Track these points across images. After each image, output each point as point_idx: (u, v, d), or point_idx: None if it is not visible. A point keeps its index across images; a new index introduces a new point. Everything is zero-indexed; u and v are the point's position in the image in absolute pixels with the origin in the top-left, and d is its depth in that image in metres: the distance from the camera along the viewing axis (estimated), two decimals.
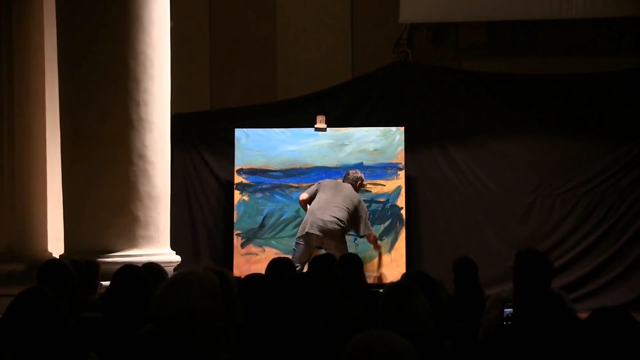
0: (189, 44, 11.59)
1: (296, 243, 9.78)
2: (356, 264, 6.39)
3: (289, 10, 11.86)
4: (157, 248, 7.97)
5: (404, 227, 10.57)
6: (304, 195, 9.97)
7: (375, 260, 10.52)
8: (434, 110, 11.06)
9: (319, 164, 10.75)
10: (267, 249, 10.50)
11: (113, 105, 7.78)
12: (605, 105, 10.75)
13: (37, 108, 9.16)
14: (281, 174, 10.78)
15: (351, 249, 10.48)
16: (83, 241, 7.79)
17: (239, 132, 10.84)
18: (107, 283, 5.22)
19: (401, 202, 10.62)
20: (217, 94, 12.05)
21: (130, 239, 7.82)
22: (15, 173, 8.99)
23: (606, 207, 10.67)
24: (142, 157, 7.86)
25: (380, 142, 10.71)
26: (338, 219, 9.65)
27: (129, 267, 5.05)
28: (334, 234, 9.62)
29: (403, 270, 9.84)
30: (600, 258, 10.60)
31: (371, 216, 10.61)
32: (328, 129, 10.77)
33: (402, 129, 10.71)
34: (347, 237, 10.58)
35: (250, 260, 10.55)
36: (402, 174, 10.67)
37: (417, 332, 4.02)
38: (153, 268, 5.75)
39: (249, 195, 10.77)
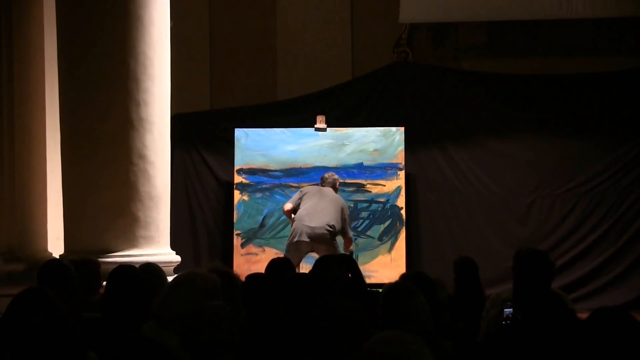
0: (189, 44, 11.59)
1: (286, 250, 9.70)
2: (353, 264, 6.39)
3: (289, 11, 11.86)
4: (157, 248, 7.96)
5: (404, 227, 10.57)
6: (288, 205, 9.79)
7: (376, 261, 10.52)
8: (434, 110, 11.06)
9: (318, 164, 10.76)
10: (267, 248, 10.51)
11: (113, 105, 7.78)
12: (605, 106, 10.75)
13: (37, 108, 9.16)
14: (281, 173, 10.78)
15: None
16: (83, 241, 7.78)
17: (238, 132, 10.84)
18: None
19: (401, 202, 10.63)
20: (217, 94, 12.05)
21: (131, 239, 7.81)
22: (15, 173, 8.99)
23: (606, 207, 10.67)
24: (142, 157, 7.85)
25: (380, 142, 10.71)
26: (327, 224, 9.59)
27: (125, 267, 5.05)
28: (324, 239, 9.56)
29: (403, 270, 9.83)
30: (600, 258, 10.60)
31: (371, 216, 10.62)
32: (328, 129, 10.78)
33: (402, 129, 10.71)
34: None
35: (250, 260, 10.55)
36: (402, 174, 10.67)
37: (416, 332, 4.02)
38: (151, 268, 5.75)
39: (248, 195, 10.78)
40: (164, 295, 3.84)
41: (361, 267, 9.93)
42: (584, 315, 3.97)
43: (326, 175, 10.10)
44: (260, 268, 9.02)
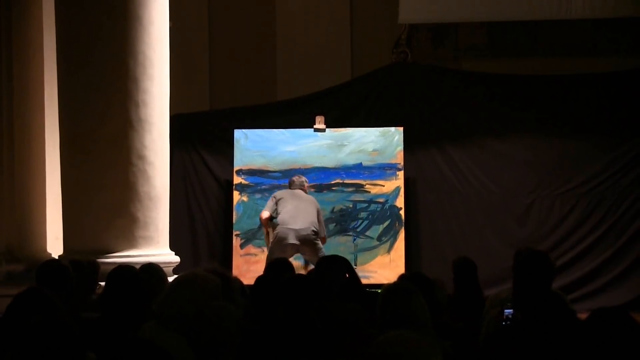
0: (188, 44, 11.59)
1: (270, 252, 9.65)
2: (349, 265, 6.38)
3: (288, 10, 11.86)
4: (157, 248, 7.96)
5: (403, 228, 10.57)
6: (265, 214, 9.77)
7: (375, 261, 10.52)
8: (433, 111, 11.06)
9: (318, 164, 10.76)
10: (266, 249, 10.50)
11: (112, 106, 7.77)
12: (605, 106, 10.75)
13: (36, 108, 9.16)
14: (280, 174, 10.78)
15: (350, 249, 10.50)
16: (82, 241, 7.78)
17: (238, 133, 10.84)
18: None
19: (400, 202, 10.62)
20: (216, 94, 12.05)
21: (130, 240, 7.81)
22: (15, 173, 8.98)
23: (605, 208, 10.67)
24: (141, 157, 7.85)
25: (379, 143, 10.71)
26: (310, 223, 9.61)
27: (124, 268, 5.05)
28: (309, 241, 9.58)
29: (402, 270, 9.84)
30: (599, 258, 10.59)
31: (370, 216, 10.62)
32: (327, 129, 10.78)
33: (401, 129, 10.71)
34: (347, 238, 10.60)
35: (250, 261, 10.55)
36: (401, 174, 10.67)
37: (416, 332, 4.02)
38: (151, 268, 5.75)
39: (248, 196, 10.78)
40: (165, 296, 3.84)
41: (360, 268, 10.06)
42: (583, 316, 3.97)
43: (294, 178, 10.12)
44: (260, 269, 9.04)
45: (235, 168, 10.82)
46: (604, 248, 10.62)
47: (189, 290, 3.83)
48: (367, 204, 10.66)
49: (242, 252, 10.66)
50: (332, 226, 10.67)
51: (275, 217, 9.70)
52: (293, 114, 11.13)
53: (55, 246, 8.97)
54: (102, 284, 5.28)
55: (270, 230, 9.77)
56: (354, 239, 10.55)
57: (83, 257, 6.72)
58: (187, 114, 11.32)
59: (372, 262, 10.53)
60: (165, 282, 5.37)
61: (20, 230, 8.98)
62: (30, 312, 3.96)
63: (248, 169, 10.75)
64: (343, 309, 4.93)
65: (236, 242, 10.68)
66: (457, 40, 11.57)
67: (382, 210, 10.64)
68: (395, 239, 10.55)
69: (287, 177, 10.71)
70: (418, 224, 11.00)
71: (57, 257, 7.78)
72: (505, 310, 5.00)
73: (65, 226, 8.12)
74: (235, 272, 10.14)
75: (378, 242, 10.59)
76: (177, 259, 8.19)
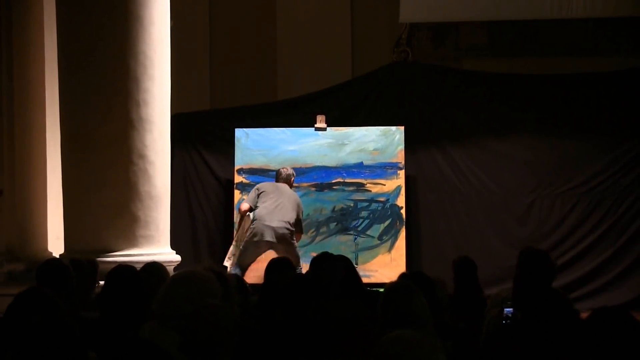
0: (189, 44, 11.59)
1: (244, 248, 9.68)
2: (348, 263, 6.38)
3: (289, 10, 11.86)
4: (157, 248, 7.97)
5: (404, 227, 10.57)
6: (245, 205, 9.77)
7: (375, 260, 10.52)
8: (433, 110, 11.06)
9: (318, 163, 10.76)
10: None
11: (113, 105, 7.78)
12: (605, 106, 10.75)
13: (37, 108, 9.17)
14: None
15: (351, 248, 10.50)
16: (83, 241, 7.79)
17: (239, 132, 10.84)
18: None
19: (401, 201, 10.62)
20: (217, 93, 12.05)
21: (130, 239, 7.82)
22: (16, 173, 9.00)
23: (606, 207, 10.67)
24: (142, 157, 7.86)
25: (380, 142, 10.71)
26: (287, 222, 9.60)
27: (123, 267, 5.06)
28: (284, 238, 9.58)
29: (403, 269, 9.83)
30: (599, 258, 10.59)
31: (371, 215, 10.61)
32: (328, 128, 10.78)
33: (402, 128, 10.71)
34: (348, 237, 10.60)
35: None
36: (402, 173, 10.67)
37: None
38: (153, 267, 5.75)
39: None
40: (162, 294, 3.83)
41: (361, 267, 10.06)
42: (584, 315, 3.97)
43: (281, 169, 10.12)
44: (260, 268, 9.02)
45: (236, 167, 10.82)
46: (604, 247, 10.62)
47: (186, 288, 3.83)
48: (368, 203, 10.65)
49: None
50: (332, 225, 10.68)
51: (254, 210, 9.68)
52: (294, 113, 11.13)
53: (56, 246, 8.98)
54: (102, 282, 5.29)
55: (245, 223, 9.73)
56: (355, 238, 10.55)
57: (83, 257, 6.72)
58: (188, 113, 11.32)
59: (373, 261, 10.53)
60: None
61: (21, 230, 8.99)
62: (31, 312, 3.96)
63: (249, 168, 10.75)
64: (342, 306, 4.93)
65: None
66: (457, 39, 11.56)
67: (383, 210, 10.64)
68: (396, 238, 10.55)
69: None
70: (419, 223, 11.00)
71: (57, 257, 7.78)
72: (506, 310, 5.01)
73: (66, 225, 8.13)
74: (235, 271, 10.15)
75: (379, 241, 10.59)
76: (178, 258, 8.20)
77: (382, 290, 4.57)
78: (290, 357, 4.22)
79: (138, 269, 5.53)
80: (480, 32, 11.48)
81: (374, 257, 10.55)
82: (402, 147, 10.66)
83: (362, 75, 11.48)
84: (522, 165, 10.88)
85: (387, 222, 10.62)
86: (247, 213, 9.76)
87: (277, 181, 10.01)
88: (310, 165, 10.76)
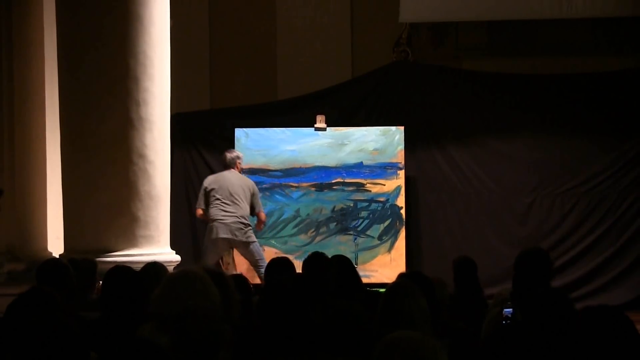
0: (189, 44, 11.58)
1: (205, 248, 9.69)
2: (347, 263, 6.38)
3: (288, 10, 11.85)
4: (157, 247, 7.97)
5: (404, 227, 10.57)
6: (199, 211, 9.79)
7: (375, 260, 10.53)
8: (433, 110, 11.06)
9: (318, 163, 10.76)
10: (267, 248, 10.50)
11: (113, 105, 7.78)
12: (605, 105, 10.75)
13: (37, 108, 9.16)
14: (281, 173, 10.78)
15: (351, 248, 10.50)
16: (83, 240, 7.79)
17: (238, 132, 10.84)
18: None
19: (401, 201, 10.62)
20: (217, 93, 12.04)
21: (130, 239, 7.81)
22: (15, 172, 8.99)
23: (606, 207, 10.67)
24: (142, 156, 7.85)
25: (380, 142, 10.71)
26: (240, 216, 9.57)
27: (120, 267, 5.05)
28: (240, 233, 9.54)
29: (403, 269, 9.85)
30: (599, 258, 10.59)
31: (371, 215, 10.61)
32: (328, 128, 10.77)
33: (401, 128, 10.71)
34: (348, 237, 10.60)
35: None
36: (401, 173, 10.67)
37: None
38: (156, 267, 5.75)
39: None
40: (157, 295, 3.83)
41: (361, 267, 10.06)
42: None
43: (226, 153, 10.00)
44: None
45: None
46: (604, 247, 10.62)
47: (180, 288, 3.82)
48: (367, 203, 10.65)
49: None
50: (332, 225, 10.68)
51: (208, 210, 9.67)
52: (294, 113, 11.13)
53: (56, 245, 8.97)
54: (102, 283, 5.29)
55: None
56: (355, 238, 10.55)
57: (83, 256, 6.72)
58: (187, 113, 11.32)
59: (373, 261, 10.53)
60: None
61: (21, 230, 8.98)
62: (33, 312, 3.96)
63: (249, 168, 10.75)
64: (342, 306, 4.93)
65: None
66: (457, 39, 11.56)
67: (382, 210, 10.64)
68: (396, 238, 10.55)
69: (287, 176, 10.73)
70: (419, 223, 11.00)
71: (57, 257, 7.78)
72: (505, 310, 5.01)
73: (66, 225, 8.13)
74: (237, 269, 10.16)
75: (379, 241, 10.59)
76: (178, 258, 8.20)
77: (381, 290, 4.57)
78: (290, 357, 4.21)
79: (138, 269, 5.53)
80: (480, 32, 11.48)
81: (373, 257, 10.55)
82: (402, 147, 10.66)
83: (362, 75, 11.48)
84: (522, 165, 10.88)
85: (387, 222, 10.62)
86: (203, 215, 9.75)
87: (223, 167, 9.94)
88: (310, 165, 10.76)
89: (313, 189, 10.71)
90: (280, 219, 10.70)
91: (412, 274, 5.37)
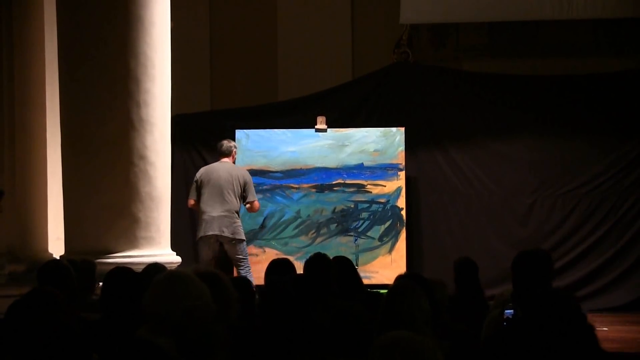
0: (189, 45, 11.59)
1: (198, 244, 9.65)
2: (348, 264, 6.38)
3: (289, 11, 11.86)
4: (158, 249, 7.96)
5: (405, 228, 10.57)
6: (191, 201, 9.72)
7: (376, 261, 10.53)
8: (434, 111, 11.06)
9: (319, 164, 10.76)
10: (267, 249, 10.50)
11: (114, 106, 7.78)
12: (606, 106, 10.74)
13: (37, 108, 9.17)
14: (282, 174, 10.78)
15: (352, 249, 10.50)
16: (83, 242, 7.78)
17: (239, 133, 10.84)
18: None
19: (402, 202, 10.62)
20: (217, 94, 12.05)
21: (131, 240, 7.81)
22: (16, 173, 9.00)
23: (607, 208, 10.66)
24: (142, 158, 7.85)
25: (380, 143, 10.71)
26: (227, 211, 9.50)
27: (121, 269, 5.05)
28: (227, 230, 9.47)
29: (404, 270, 9.83)
30: (600, 259, 10.59)
31: (372, 217, 10.61)
32: (328, 129, 10.77)
33: (402, 129, 10.70)
34: (349, 238, 10.60)
35: (251, 261, 10.52)
36: (402, 174, 10.67)
37: (415, 333, 4.02)
38: (157, 268, 5.74)
39: None
40: (147, 297, 3.81)
41: (361, 268, 10.05)
42: None
43: (222, 141, 9.91)
44: (261, 269, 9.00)
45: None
46: (605, 248, 10.62)
47: (181, 289, 3.81)
48: (368, 204, 10.65)
49: None
50: (333, 226, 10.68)
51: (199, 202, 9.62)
52: (294, 114, 11.13)
53: (56, 246, 8.98)
54: (101, 284, 5.29)
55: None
56: (355, 239, 10.54)
57: (83, 258, 6.72)
58: (188, 114, 11.32)
59: (374, 263, 10.53)
60: None
61: (21, 231, 8.99)
62: (35, 313, 3.95)
63: (249, 169, 10.73)
64: (344, 307, 4.93)
65: None
66: (457, 40, 11.57)
67: (383, 211, 10.64)
68: (396, 239, 10.55)
69: (288, 178, 10.73)
70: (419, 224, 11.00)
71: (58, 258, 7.78)
72: (506, 311, 5.01)
73: (67, 226, 8.13)
74: (236, 272, 10.15)
75: (379, 243, 10.59)
76: (178, 259, 8.20)
77: (382, 291, 4.57)
78: (291, 357, 4.22)
79: (139, 270, 5.53)
80: (480, 33, 11.49)
81: (374, 258, 10.55)
82: (402, 148, 10.66)
83: (362, 76, 11.48)
84: (523, 166, 10.88)
85: (387, 224, 10.62)
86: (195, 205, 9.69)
87: (218, 156, 9.90)
88: (311, 167, 10.76)
89: (314, 190, 10.71)
90: (281, 220, 10.70)
91: (410, 276, 5.37)
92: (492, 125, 10.97)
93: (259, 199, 10.40)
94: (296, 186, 10.70)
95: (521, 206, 10.85)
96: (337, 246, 10.45)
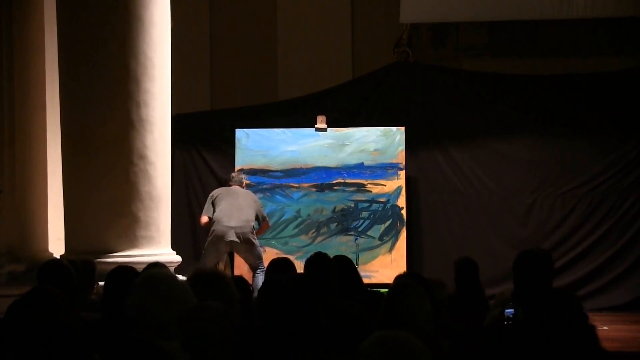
0: (189, 45, 11.59)
1: (205, 250, 9.63)
2: (349, 264, 6.37)
3: (289, 11, 11.86)
4: (158, 248, 7.96)
5: (405, 227, 10.58)
6: (204, 219, 9.72)
7: (376, 261, 10.53)
8: (434, 110, 11.06)
9: (319, 164, 10.76)
10: (267, 249, 10.51)
11: (114, 106, 7.77)
12: (606, 106, 10.75)
13: (37, 108, 9.16)
14: (282, 174, 10.79)
15: (352, 249, 10.51)
16: (84, 241, 7.78)
17: (239, 133, 10.85)
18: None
19: (402, 202, 10.63)
20: (217, 94, 12.05)
21: (131, 240, 7.81)
22: (16, 173, 8.98)
23: (607, 208, 10.67)
24: (142, 157, 7.85)
25: (380, 142, 10.72)
26: (245, 220, 9.52)
27: (122, 268, 5.04)
28: (245, 237, 9.50)
29: (404, 270, 9.84)
30: (600, 258, 10.59)
31: (372, 216, 10.62)
32: (328, 129, 10.78)
33: (402, 129, 10.71)
34: (349, 237, 10.60)
35: None
36: (402, 174, 10.67)
37: (415, 332, 4.02)
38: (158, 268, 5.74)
39: None
40: (131, 300, 3.80)
41: (362, 267, 10.06)
42: None
43: (233, 174, 10.08)
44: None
45: (237, 168, 10.82)
46: (605, 248, 10.62)
47: (179, 291, 3.81)
48: (368, 204, 10.66)
49: None
50: (333, 226, 10.68)
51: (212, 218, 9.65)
52: (294, 114, 11.13)
53: (56, 246, 8.97)
54: (101, 283, 5.29)
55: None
56: (356, 239, 10.55)
57: (83, 257, 6.72)
58: (188, 113, 11.33)
59: (374, 262, 10.54)
60: None
61: (21, 230, 8.98)
62: (35, 313, 3.95)
63: (249, 169, 10.76)
64: (345, 306, 4.94)
65: None
66: (457, 39, 11.57)
67: (383, 210, 10.65)
68: (396, 239, 10.56)
69: (288, 177, 10.74)
70: (419, 224, 11.01)
71: (58, 257, 7.78)
72: (507, 311, 5.00)
73: (67, 226, 8.13)
74: (236, 271, 10.17)
75: (379, 242, 10.60)
76: (178, 258, 8.20)
77: (383, 290, 4.57)
78: (291, 357, 4.22)
79: (139, 269, 5.52)
80: (480, 32, 11.49)
81: (374, 257, 10.56)
82: (402, 147, 10.66)
83: (362, 75, 11.49)
84: (523, 166, 10.88)
85: (387, 223, 10.63)
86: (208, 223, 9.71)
87: (229, 185, 9.94)
88: (311, 166, 10.77)
89: (314, 189, 10.71)
90: (281, 219, 10.70)
91: (409, 275, 5.37)
92: (492, 125, 10.97)
93: (259, 198, 10.42)
94: (296, 185, 10.71)
95: (521, 206, 10.85)
96: (338, 245, 10.46)
